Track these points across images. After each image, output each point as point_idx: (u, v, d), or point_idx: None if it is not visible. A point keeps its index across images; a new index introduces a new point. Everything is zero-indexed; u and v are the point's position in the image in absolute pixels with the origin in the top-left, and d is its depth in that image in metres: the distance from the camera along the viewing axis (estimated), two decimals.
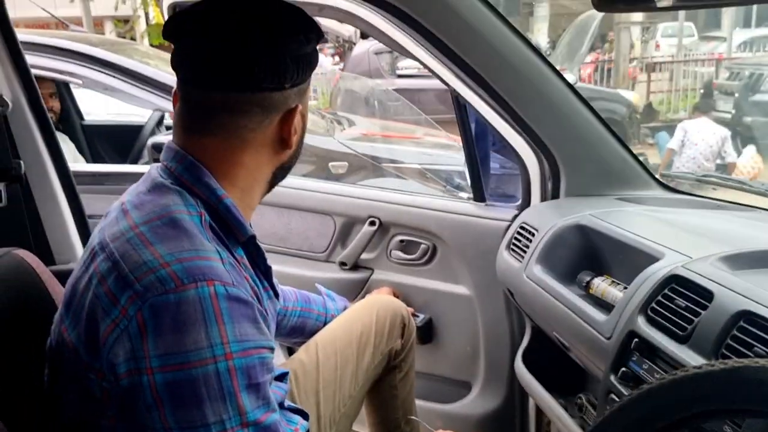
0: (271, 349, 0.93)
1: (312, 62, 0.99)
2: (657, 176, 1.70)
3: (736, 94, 7.86)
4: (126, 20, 11.80)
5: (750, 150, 6.34)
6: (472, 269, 1.86)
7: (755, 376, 0.55)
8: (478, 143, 1.83)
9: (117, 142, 3.78)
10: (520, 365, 1.65)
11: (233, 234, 0.98)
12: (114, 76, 2.97)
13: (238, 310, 0.86)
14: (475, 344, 1.92)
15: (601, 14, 7.85)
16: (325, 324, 1.59)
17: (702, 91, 9.06)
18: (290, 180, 2.10)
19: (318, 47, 1.02)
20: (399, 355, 1.63)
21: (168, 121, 3.66)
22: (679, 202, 1.62)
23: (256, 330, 0.89)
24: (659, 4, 0.75)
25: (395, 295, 1.86)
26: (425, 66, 1.70)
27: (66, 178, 1.66)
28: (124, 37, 12.33)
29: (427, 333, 1.96)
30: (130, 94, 3.02)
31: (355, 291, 1.96)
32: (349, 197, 1.97)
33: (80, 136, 3.83)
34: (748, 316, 0.91)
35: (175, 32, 0.96)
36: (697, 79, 9.95)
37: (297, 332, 1.57)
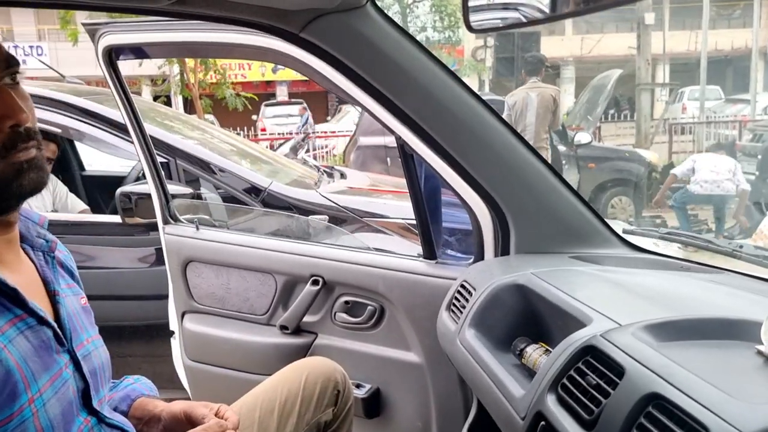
0: None
1: None
2: (620, 233, 1.54)
3: (759, 156, 7.62)
4: (163, 79, 12.11)
5: None
6: (422, 334, 1.69)
7: None
8: (428, 196, 1.69)
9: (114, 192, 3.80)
10: None
11: None
12: (96, 126, 2.93)
13: None
14: (426, 418, 1.73)
15: (617, 74, 7.78)
16: None
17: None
18: (229, 236, 2.00)
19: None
20: (330, 426, 1.47)
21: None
22: (641, 261, 1.45)
23: None
24: (521, 21, 0.62)
25: None
26: (369, 112, 1.58)
27: None
28: (159, 97, 12.57)
29: (374, 405, 1.78)
30: (110, 144, 2.98)
31: (297, 357, 1.79)
32: (291, 254, 1.83)
33: (79, 186, 3.86)
34: (657, 399, 0.74)
35: None
36: (721, 140, 9.75)
37: None
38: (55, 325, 0.96)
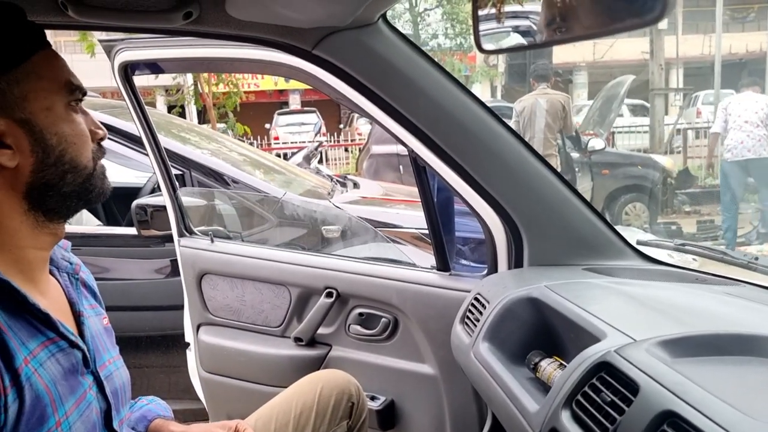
0: None
1: None
2: (633, 244, 1.54)
3: None
4: (178, 89, 12.20)
5: None
6: (436, 346, 1.70)
7: None
8: (441, 208, 1.70)
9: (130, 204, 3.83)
10: None
11: None
12: (111, 139, 2.97)
13: None
14: (440, 431, 1.73)
15: (630, 80, 7.73)
16: None
17: None
18: (243, 248, 2.02)
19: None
20: None
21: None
22: (655, 273, 1.44)
23: None
24: (531, 42, 0.63)
25: None
26: (382, 126, 1.59)
27: None
28: (174, 107, 12.64)
29: (388, 417, 1.78)
30: (125, 156, 3.02)
31: (312, 369, 1.80)
32: (306, 266, 1.84)
33: None
34: (672, 417, 0.74)
35: None
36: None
37: None
38: (85, 348, 0.97)
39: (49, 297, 0.97)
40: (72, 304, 1.02)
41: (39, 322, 0.90)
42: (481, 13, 0.73)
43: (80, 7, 1.09)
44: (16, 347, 0.83)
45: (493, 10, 0.68)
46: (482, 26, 0.75)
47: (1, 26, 0.88)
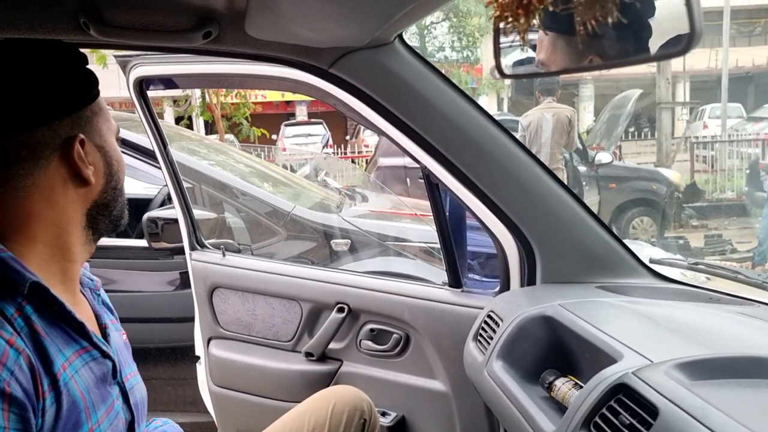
0: None
1: (78, 86, 0.95)
2: (646, 263, 1.54)
3: None
4: (186, 100, 12.26)
5: None
6: (448, 362, 1.70)
7: None
8: (454, 225, 1.70)
9: (140, 216, 3.83)
10: None
11: (10, 291, 0.86)
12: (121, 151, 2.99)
13: None
14: None
15: (637, 94, 7.75)
16: None
17: (748, 171, 8.77)
18: (255, 262, 2.03)
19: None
20: None
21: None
22: (668, 292, 1.44)
23: None
24: (550, 70, 0.64)
25: None
26: (395, 143, 1.60)
27: None
28: (182, 117, 12.68)
29: None
30: (134, 167, 3.04)
31: (323, 385, 1.81)
32: (317, 281, 1.85)
33: None
34: None
35: None
36: (743, 159, 9.67)
37: None
38: (116, 359, 0.99)
39: (80, 309, 1.00)
40: (97, 317, 1.05)
41: (73, 331, 0.92)
42: (502, 37, 0.74)
43: (101, 27, 1.11)
44: (54, 353, 0.86)
45: (516, 35, 0.69)
46: (503, 51, 0.76)
47: (85, 63, 0.99)
